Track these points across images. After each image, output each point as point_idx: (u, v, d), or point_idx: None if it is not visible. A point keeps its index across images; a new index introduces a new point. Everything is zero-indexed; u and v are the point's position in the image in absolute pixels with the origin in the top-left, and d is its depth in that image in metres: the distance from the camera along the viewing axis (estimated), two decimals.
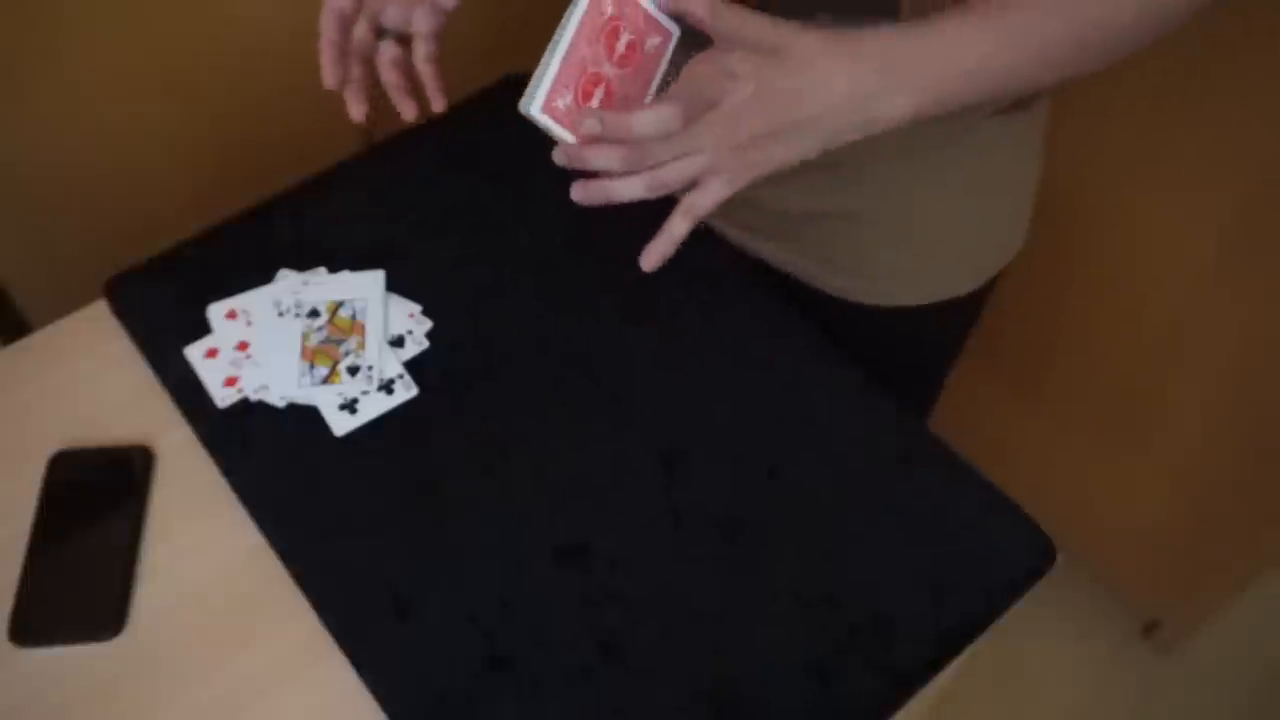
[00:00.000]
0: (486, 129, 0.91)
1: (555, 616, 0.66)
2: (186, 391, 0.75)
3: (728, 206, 0.87)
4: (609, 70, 0.59)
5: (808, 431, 0.74)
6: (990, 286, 0.89)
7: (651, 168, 0.58)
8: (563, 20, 0.57)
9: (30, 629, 0.66)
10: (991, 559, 0.70)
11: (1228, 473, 1.29)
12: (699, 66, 0.57)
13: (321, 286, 0.79)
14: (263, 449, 0.73)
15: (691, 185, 0.59)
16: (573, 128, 0.58)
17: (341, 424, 0.74)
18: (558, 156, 0.60)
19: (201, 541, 0.70)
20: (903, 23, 0.57)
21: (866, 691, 0.64)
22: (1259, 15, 0.96)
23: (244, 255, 0.82)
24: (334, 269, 0.81)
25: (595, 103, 0.58)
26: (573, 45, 0.57)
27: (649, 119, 0.56)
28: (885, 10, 0.63)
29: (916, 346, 0.92)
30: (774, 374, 0.77)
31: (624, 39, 0.59)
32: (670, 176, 0.58)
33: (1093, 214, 1.21)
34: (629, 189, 0.59)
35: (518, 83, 0.94)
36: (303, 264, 0.81)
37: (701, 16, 0.57)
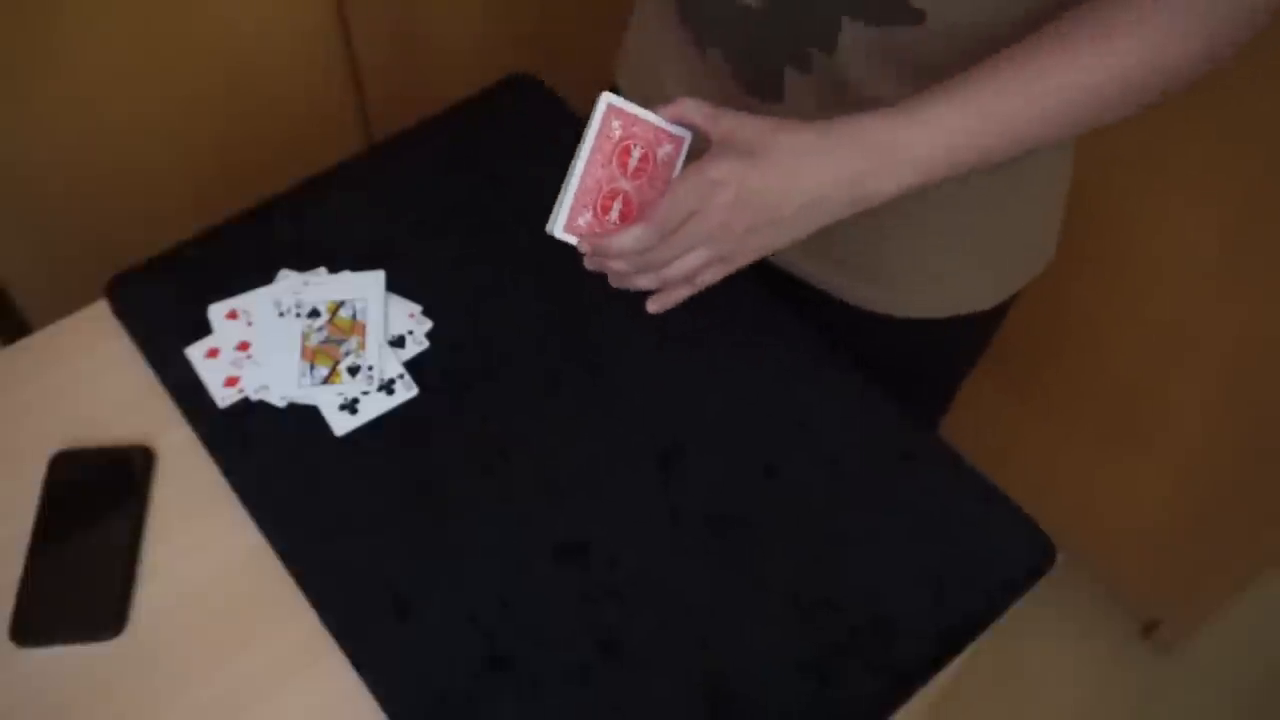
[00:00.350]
0: (487, 129, 0.91)
1: (555, 616, 0.66)
2: (187, 391, 0.75)
3: None
4: (625, 184, 0.66)
5: (807, 431, 0.75)
6: (1011, 300, 0.88)
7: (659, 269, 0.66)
8: (577, 148, 0.65)
9: (31, 629, 0.66)
10: (992, 558, 0.70)
11: (1228, 473, 1.29)
12: (682, 183, 0.62)
13: (322, 286, 0.80)
14: (263, 449, 0.73)
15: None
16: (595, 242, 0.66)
17: (342, 424, 0.74)
18: (589, 264, 0.68)
19: (202, 541, 0.70)
20: (889, 109, 0.61)
21: (866, 691, 0.64)
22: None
23: (244, 255, 0.82)
24: (334, 269, 0.81)
25: (614, 214, 0.66)
26: (587, 169, 0.65)
27: (627, 241, 0.63)
28: (910, 18, 0.63)
29: (933, 358, 0.91)
30: (774, 374, 0.77)
31: (636, 154, 0.66)
32: (674, 273, 0.65)
33: (1096, 215, 1.21)
34: (645, 282, 0.67)
35: (518, 83, 0.95)
36: (303, 264, 0.81)
37: (701, 125, 0.63)
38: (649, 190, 0.67)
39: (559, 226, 0.66)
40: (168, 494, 0.72)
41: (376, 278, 0.80)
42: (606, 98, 0.65)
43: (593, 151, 0.65)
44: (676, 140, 0.67)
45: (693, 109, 0.64)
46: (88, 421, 0.75)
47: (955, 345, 0.92)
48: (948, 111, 0.60)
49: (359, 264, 0.81)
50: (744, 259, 0.66)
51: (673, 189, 0.62)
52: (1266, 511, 1.28)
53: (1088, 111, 0.61)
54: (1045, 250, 0.87)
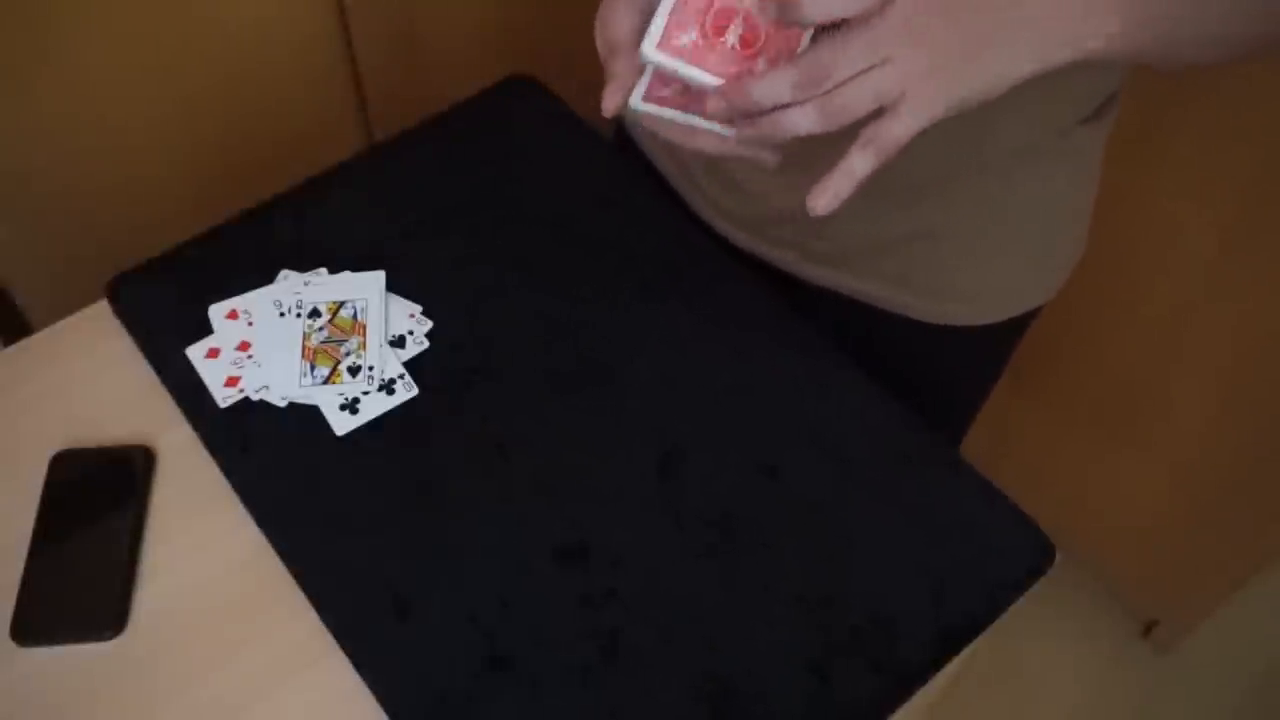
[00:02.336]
0: (488, 129, 0.91)
1: (555, 616, 0.66)
2: (187, 391, 0.75)
3: (799, 236, 0.84)
4: (747, 1, 0.49)
5: (807, 431, 0.75)
6: (1044, 304, 0.88)
7: (827, 92, 0.46)
8: None
9: (31, 628, 0.66)
10: (991, 558, 0.70)
11: (1227, 472, 1.29)
12: None
13: (322, 287, 0.80)
14: (263, 449, 0.73)
15: (874, 115, 0.48)
16: (708, 64, 0.49)
17: (342, 424, 0.74)
18: (714, 106, 0.49)
19: (202, 541, 0.70)
20: None
21: (866, 691, 0.65)
22: None
23: (245, 255, 0.82)
24: (335, 269, 0.81)
25: (732, 38, 0.49)
26: None
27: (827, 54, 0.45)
28: None
29: (967, 367, 0.90)
30: (774, 373, 0.77)
31: None
32: (851, 100, 0.46)
33: (1094, 213, 1.21)
34: (804, 120, 0.47)
35: (518, 84, 0.95)
36: (303, 264, 0.81)
37: None
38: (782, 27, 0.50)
39: (651, 45, 0.49)
40: (168, 494, 0.72)
41: (377, 278, 0.80)
42: None
43: None
44: None
45: None
46: (88, 421, 0.75)
47: (992, 350, 0.90)
48: None
49: (359, 264, 0.81)
50: (935, 105, 0.47)
51: None
52: (1266, 510, 1.28)
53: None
54: (1079, 247, 0.87)
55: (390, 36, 1.37)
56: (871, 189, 0.52)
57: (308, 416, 0.74)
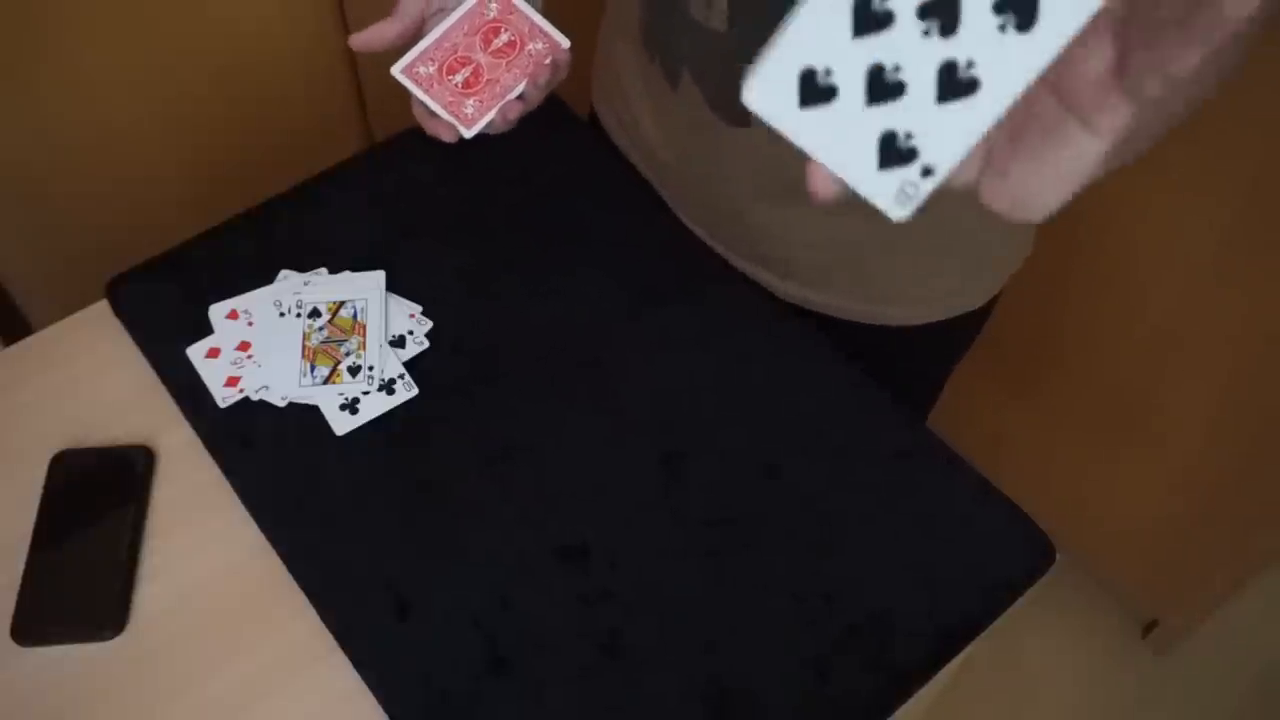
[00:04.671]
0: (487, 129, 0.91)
1: (555, 617, 0.67)
2: (187, 391, 0.75)
3: (758, 250, 0.84)
4: (480, 57, 0.68)
5: (806, 430, 0.75)
6: (991, 304, 0.89)
7: None
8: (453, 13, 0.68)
9: (31, 628, 0.66)
10: (991, 558, 0.70)
11: (1227, 472, 1.29)
12: None
13: (322, 287, 0.80)
14: (264, 449, 0.73)
15: None
16: (433, 93, 0.68)
17: (342, 424, 0.74)
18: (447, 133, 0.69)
19: (202, 541, 0.70)
20: None
21: (865, 691, 0.65)
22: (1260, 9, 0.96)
23: (245, 255, 0.82)
24: (335, 269, 0.81)
25: (459, 79, 0.68)
26: (447, 31, 0.68)
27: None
28: None
29: (914, 364, 0.91)
30: (772, 373, 0.77)
31: (504, 36, 0.69)
32: None
33: (1092, 212, 1.21)
34: None
35: None
36: (304, 264, 0.81)
37: None
38: (504, 72, 0.68)
39: (399, 67, 0.68)
40: (168, 494, 0.72)
41: (377, 278, 0.80)
42: None
43: (459, 19, 0.68)
44: (553, 43, 0.69)
45: None
46: (88, 422, 0.75)
47: (935, 349, 0.92)
48: None
49: (359, 264, 0.81)
50: None
51: None
52: (1265, 511, 1.28)
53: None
54: (1021, 251, 0.88)
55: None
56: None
57: (308, 416, 0.74)
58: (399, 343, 0.78)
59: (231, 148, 1.33)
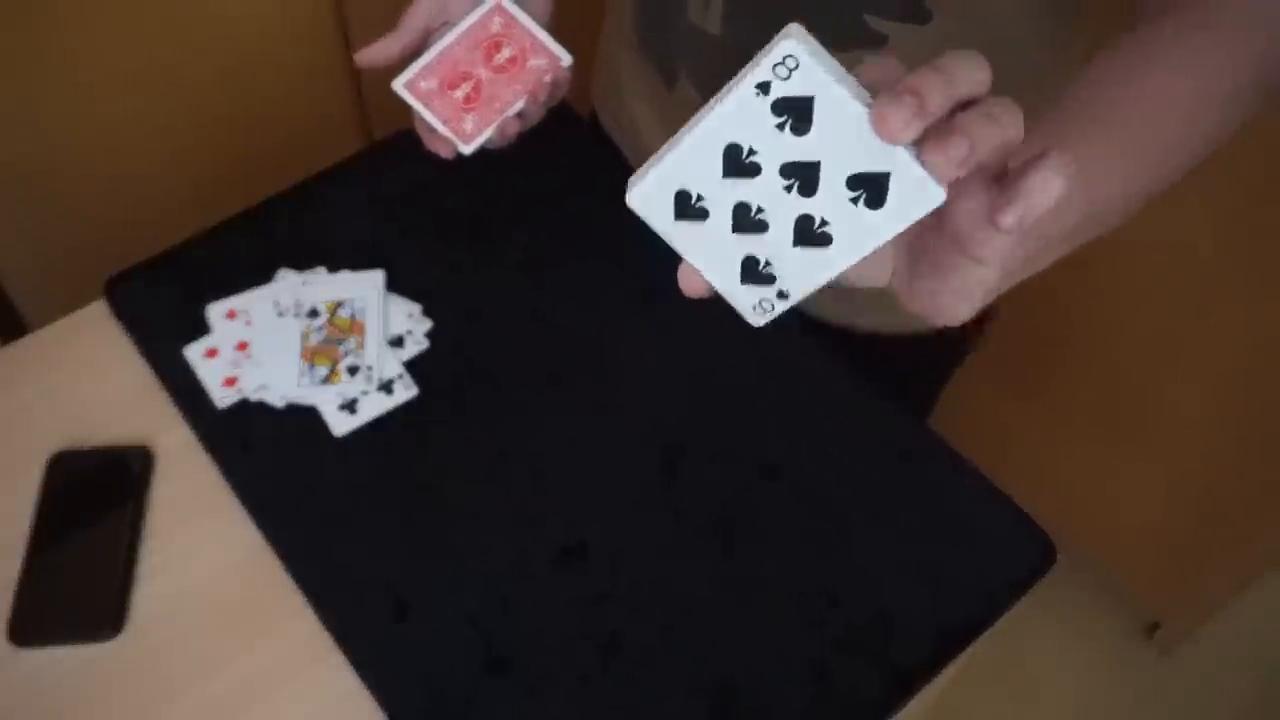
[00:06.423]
0: (486, 145, 0.91)
1: (555, 617, 0.66)
2: (186, 392, 0.75)
3: None
4: (482, 72, 0.68)
5: (807, 430, 0.74)
6: (989, 311, 0.88)
7: None
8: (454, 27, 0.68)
9: (30, 629, 0.66)
10: (992, 558, 0.70)
11: (1230, 473, 1.29)
12: None
13: (321, 286, 0.79)
14: (262, 449, 0.73)
15: None
16: (434, 108, 0.68)
17: (341, 424, 0.74)
18: (445, 149, 0.69)
19: (201, 541, 0.70)
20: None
21: (867, 691, 0.64)
22: None
23: (244, 255, 0.82)
24: (333, 269, 0.81)
25: (459, 94, 0.68)
26: (449, 46, 0.67)
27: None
28: (874, 43, 0.63)
29: (914, 370, 0.91)
30: (773, 373, 0.77)
31: (505, 52, 0.68)
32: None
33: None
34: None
35: None
36: (302, 264, 0.81)
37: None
38: (505, 88, 0.68)
39: (400, 80, 0.67)
40: (167, 494, 0.72)
41: (375, 277, 0.80)
42: None
43: (462, 34, 0.67)
44: (553, 60, 0.68)
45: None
46: (86, 422, 0.75)
47: (934, 355, 0.92)
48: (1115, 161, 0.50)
49: (358, 263, 0.81)
50: None
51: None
52: (1269, 511, 1.27)
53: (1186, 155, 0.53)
54: None
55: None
56: None
57: (306, 416, 0.74)
58: (398, 342, 0.77)
59: (231, 147, 1.33)
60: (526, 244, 0.84)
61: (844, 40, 0.64)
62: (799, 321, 0.81)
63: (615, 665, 0.65)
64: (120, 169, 1.26)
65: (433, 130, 0.69)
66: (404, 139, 0.90)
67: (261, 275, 0.80)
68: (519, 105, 0.68)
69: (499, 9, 0.67)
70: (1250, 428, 1.23)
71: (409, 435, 0.73)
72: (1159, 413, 1.31)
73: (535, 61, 0.68)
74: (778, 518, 0.70)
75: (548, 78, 0.68)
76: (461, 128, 0.68)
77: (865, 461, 0.73)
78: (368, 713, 0.64)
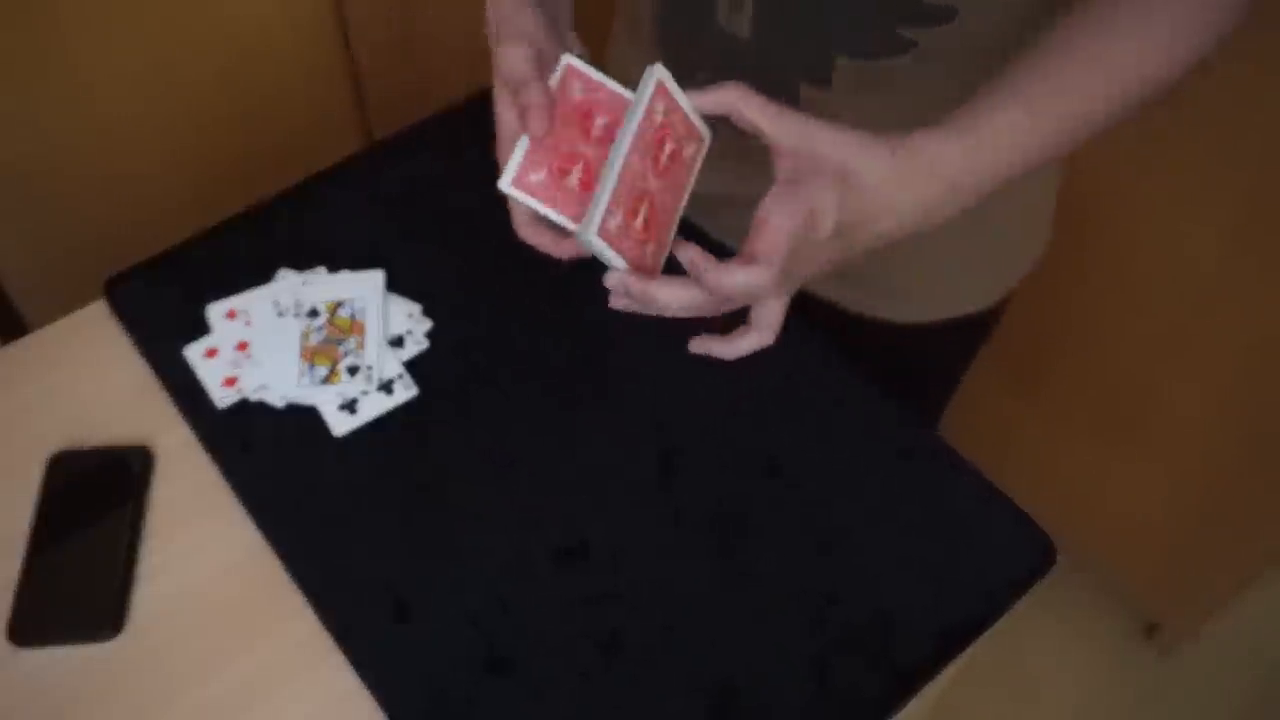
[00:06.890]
0: (487, 129, 0.91)
1: (555, 617, 0.66)
2: (186, 391, 0.75)
3: (742, 223, 0.86)
4: (653, 184, 0.54)
5: (807, 429, 0.74)
6: (1008, 298, 0.88)
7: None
8: (620, 129, 0.53)
9: (30, 629, 0.66)
10: (993, 558, 0.70)
11: (1230, 473, 1.29)
12: (787, 214, 0.51)
13: (321, 286, 0.79)
14: (262, 449, 0.73)
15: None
16: (557, 203, 0.55)
17: (341, 424, 0.74)
18: (616, 295, 0.55)
19: (201, 541, 0.70)
20: (947, 129, 0.54)
21: (867, 691, 0.64)
22: (1260, 13, 0.96)
23: (244, 255, 0.82)
24: (333, 269, 0.81)
25: (640, 220, 0.53)
26: (628, 157, 0.52)
27: (740, 279, 0.51)
28: (902, 48, 0.63)
29: (933, 359, 0.91)
30: (773, 372, 0.77)
31: (668, 148, 0.54)
32: (740, 302, 0.56)
33: (1095, 212, 1.21)
34: (689, 311, 0.56)
35: None
36: (302, 263, 0.81)
37: (763, 129, 0.52)
38: (670, 195, 0.55)
39: (506, 181, 0.54)
40: (167, 494, 0.72)
41: (375, 277, 0.80)
42: (658, 72, 0.53)
43: (638, 131, 0.52)
44: (699, 140, 0.56)
45: (750, 105, 0.52)
46: (86, 422, 0.75)
47: (953, 345, 0.92)
48: (1003, 129, 0.55)
49: (358, 263, 0.81)
50: (791, 289, 0.57)
51: (775, 221, 0.51)
52: (1269, 512, 1.27)
53: (1107, 117, 0.59)
54: (1038, 246, 0.87)
55: (390, 36, 1.37)
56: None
57: (306, 416, 0.74)
58: (398, 342, 0.77)
59: (231, 146, 1.33)
60: (526, 244, 0.83)
61: (878, 50, 0.64)
62: (810, 315, 0.81)
63: (616, 665, 0.65)
64: (120, 169, 1.26)
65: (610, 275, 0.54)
66: (405, 139, 0.90)
67: (261, 275, 0.80)
68: (681, 209, 0.56)
69: (661, 92, 0.53)
70: (1250, 428, 1.23)
71: (409, 435, 0.73)
72: (1159, 413, 1.31)
73: (688, 150, 0.56)
74: (778, 517, 0.70)
75: (698, 166, 0.56)
76: (644, 262, 0.55)
77: (865, 461, 0.73)
78: (368, 713, 0.64)
